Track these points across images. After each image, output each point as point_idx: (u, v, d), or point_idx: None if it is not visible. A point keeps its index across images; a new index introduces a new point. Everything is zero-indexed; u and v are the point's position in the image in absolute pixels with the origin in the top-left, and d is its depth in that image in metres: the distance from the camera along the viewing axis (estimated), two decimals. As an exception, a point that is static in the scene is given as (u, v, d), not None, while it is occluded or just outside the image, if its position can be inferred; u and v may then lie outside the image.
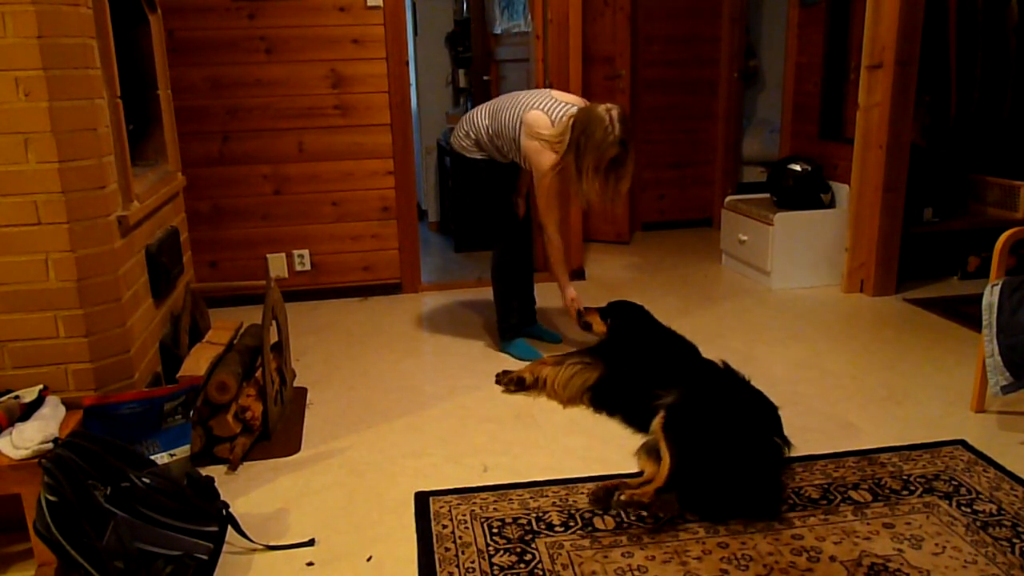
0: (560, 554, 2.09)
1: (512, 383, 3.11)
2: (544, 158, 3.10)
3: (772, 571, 2.00)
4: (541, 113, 3.11)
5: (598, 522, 2.22)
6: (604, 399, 2.92)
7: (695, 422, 2.41)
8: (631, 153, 3.07)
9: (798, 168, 4.36)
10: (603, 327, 3.32)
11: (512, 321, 3.51)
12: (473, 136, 3.30)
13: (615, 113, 3.00)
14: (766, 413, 2.53)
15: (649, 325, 3.27)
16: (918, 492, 2.35)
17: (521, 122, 3.13)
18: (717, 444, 2.32)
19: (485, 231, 3.58)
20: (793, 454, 2.56)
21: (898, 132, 3.94)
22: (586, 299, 4.23)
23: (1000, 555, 2.05)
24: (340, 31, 4.04)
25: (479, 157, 3.31)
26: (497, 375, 3.21)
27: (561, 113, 3.11)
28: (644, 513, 2.21)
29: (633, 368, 2.92)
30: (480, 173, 3.34)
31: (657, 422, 2.48)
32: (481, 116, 3.28)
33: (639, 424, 2.71)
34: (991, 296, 2.71)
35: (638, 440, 2.62)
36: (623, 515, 2.24)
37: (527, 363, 3.23)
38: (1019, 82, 4.25)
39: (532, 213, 3.54)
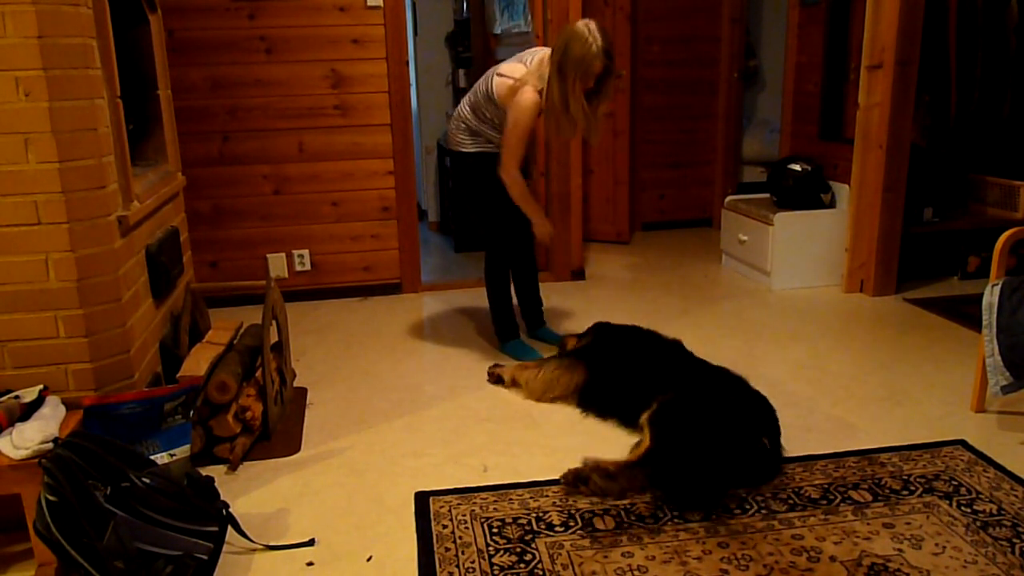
0: (560, 554, 2.09)
1: (493, 378, 3.22)
2: (523, 97, 3.01)
3: (772, 571, 2.00)
4: (512, 62, 3.12)
5: (598, 522, 2.22)
6: (592, 401, 2.92)
7: (682, 414, 2.44)
8: (614, 66, 3.02)
9: (798, 168, 4.36)
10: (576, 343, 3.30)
11: (508, 322, 3.50)
12: (463, 124, 3.26)
13: (593, 25, 2.93)
14: (757, 413, 2.54)
15: (629, 332, 3.23)
16: (918, 492, 2.35)
17: (493, 76, 3.13)
18: (696, 434, 2.37)
19: (479, 232, 3.55)
20: (793, 454, 2.56)
21: (898, 132, 3.94)
22: (587, 298, 4.24)
23: (1000, 555, 2.05)
24: (340, 31, 4.03)
25: (473, 150, 3.26)
26: (488, 370, 3.26)
27: (532, 56, 3.09)
28: (611, 482, 2.28)
29: (619, 370, 2.91)
30: (474, 171, 3.30)
31: (646, 415, 2.51)
32: (464, 99, 3.28)
33: (632, 423, 2.71)
34: (991, 296, 2.71)
35: (636, 439, 2.62)
36: (596, 489, 2.31)
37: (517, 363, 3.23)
38: (1019, 82, 4.25)
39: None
